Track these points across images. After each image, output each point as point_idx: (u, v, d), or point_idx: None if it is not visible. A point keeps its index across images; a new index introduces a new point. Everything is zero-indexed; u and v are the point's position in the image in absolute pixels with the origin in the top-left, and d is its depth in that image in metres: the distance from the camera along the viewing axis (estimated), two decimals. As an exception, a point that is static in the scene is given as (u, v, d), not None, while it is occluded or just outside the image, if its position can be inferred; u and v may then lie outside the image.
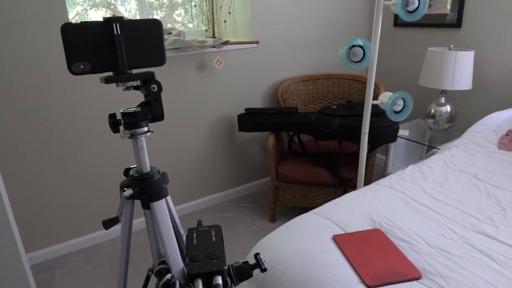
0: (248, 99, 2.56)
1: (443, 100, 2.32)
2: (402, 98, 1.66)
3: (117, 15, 2.24)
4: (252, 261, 0.93)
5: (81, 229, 2.21)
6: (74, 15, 2.17)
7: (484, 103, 2.36)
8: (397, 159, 2.49)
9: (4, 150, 1.88)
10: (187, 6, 2.49)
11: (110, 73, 0.82)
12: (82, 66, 0.77)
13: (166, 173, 0.94)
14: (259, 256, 0.92)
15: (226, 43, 2.25)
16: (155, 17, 2.43)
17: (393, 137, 2.07)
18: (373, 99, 1.78)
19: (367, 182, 2.11)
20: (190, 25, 2.55)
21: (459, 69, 2.14)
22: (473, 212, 1.28)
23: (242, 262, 0.92)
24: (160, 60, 0.85)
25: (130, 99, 2.13)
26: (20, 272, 1.29)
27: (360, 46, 1.59)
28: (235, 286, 0.89)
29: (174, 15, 2.51)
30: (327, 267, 1.06)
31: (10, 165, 1.91)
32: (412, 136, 2.34)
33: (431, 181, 1.51)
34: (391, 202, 1.37)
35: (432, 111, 2.34)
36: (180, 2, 2.46)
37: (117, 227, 2.32)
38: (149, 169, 0.92)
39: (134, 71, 0.83)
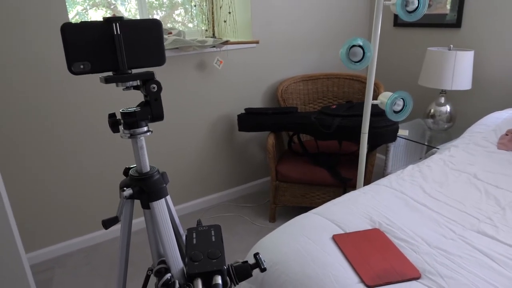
0: (248, 99, 2.56)
1: (442, 100, 2.32)
2: (401, 98, 1.66)
3: (117, 15, 2.24)
4: (251, 261, 0.93)
5: (81, 229, 2.21)
6: (74, 15, 2.17)
7: (483, 103, 2.36)
8: (397, 159, 2.49)
9: (4, 150, 1.88)
10: (187, 6, 2.49)
11: (110, 73, 0.82)
12: (82, 66, 0.77)
13: (165, 173, 0.94)
14: (259, 256, 0.92)
15: (226, 43, 2.25)
16: (155, 17, 2.43)
17: (392, 137, 2.07)
18: (373, 99, 1.78)
19: (367, 182, 2.11)
20: (190, 25, 2.55)
21: (459, 69, 2.14)
22: (473, 211, 1.29)
23: (242, 262, 0.92)
24: (160, 60, 0.86)
25: (130, 99, 2.13)
26: (20, 272, 1.29)
27: (360, 46, 1.59)
28: (235, 285, 0.89)
29: (174, 15, 2.51)
30: (327, 267, 1.06)
31: (10, 165, 1.91)
32: (411, 136, 2.34)
33: (431, 181, 1.51)
34: (390, 202, 1.37)
35: (432, 111, 2.34)
36: (180, 2, 2.46)
37: (117, 227, 2.32)
38: (148, 169, 0.92)
39: (134, 71, 0.83)
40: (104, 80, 0.79)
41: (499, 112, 2.04)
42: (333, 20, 2.75)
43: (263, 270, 0.91)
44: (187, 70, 2.26)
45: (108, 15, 2.20)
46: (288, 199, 2.34)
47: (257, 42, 2.42)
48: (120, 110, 0.85)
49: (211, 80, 2.37)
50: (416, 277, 1.00)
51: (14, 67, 1.79)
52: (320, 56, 2.79)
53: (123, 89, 0.84)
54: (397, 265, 1.05)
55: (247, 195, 2.78)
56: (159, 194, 0.90)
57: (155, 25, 0.83)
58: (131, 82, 0.84)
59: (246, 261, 0.92)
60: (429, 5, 2.49)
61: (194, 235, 0.94)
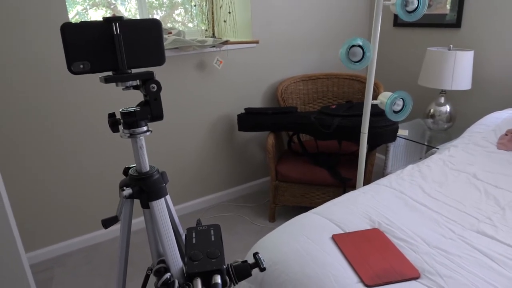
0: (248, 98, 2.56)
1: (442, 100, 2.32)
2: (401, 98, 1.66)
3: (117, 14, 2.24)
4: (251, 260, 0.93)
5: (80, 229, 2.21)
6: (74, 15, 2.17)
7: (483, 103, 2.36)
8: (397, 158, 2.49)
9: (4, 150, 1.88)
10: (187, 6, 2.49)
11: (110, 73, 0.82)
12: (81, 66, 0.77)
13: (165, 173, 0.94)
14: (258, 255, 0.92)
15: (226, 42, 2.25)
16: (155, 16, 2.43)
17: (392, 136, 2.07)
18: (373, 99, 1.78)
19: (367, 181, 2.11)
20: (190, 25, 2.55)
21: (459, 69, 2.14)
22: (472, 211, 1.29)
23: (241, 262, 0.92)
24: (159, 59, 0.86)
25: (130, 99, 2.13)
26: (19, 272, 1.29)
27: (359, 46, 1.59)
28: (234, 285, 0.90)
29: (174, 15, 2.51)
30: (326, 267, 1.06)
31: (10, 165, 1.91)
32: (411, 136, 2.34)
33: (430, 180, 1.51)
34: (390, 201, 1.37)
35: (432, 111, 2.35)
36: (180, 2, 2.46)
37: (117, 227, 2.32)
38: (148, 169, 0.92)
39: (134, 70, 0.83)
40: (104, 80, 0.80)
41: (498, 112, 2.04)
42: (333, 20, 2.75)
43: (262, 269, 0.91)
44: (187, 70, 2.26)
45: (108, 15, 2.20)
46: (288, 199, 2.34)
47: (257, 42, 2.42)
48: (120, 110, 0.85)
49: (211, 80, 2.37)
50: (416, 277, 1.00)
51: (14, 67, 1.79)
52: (320, 56, 2.79)
53: (123, 89, 0.84)
54: (396, 264, 1.05)
55: (246, 195, 2.78)
56: (159, 193, 0.90)
57: (155, 25, 0.83)
58: (130, 82, 0.84)
59: (246, 261, 0.92)
60: (429, 5, 2.49)
61: (194, 234, 0.94)
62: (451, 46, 2.25)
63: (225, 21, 2.52)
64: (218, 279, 0.83)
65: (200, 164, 2.52)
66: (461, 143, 1.83)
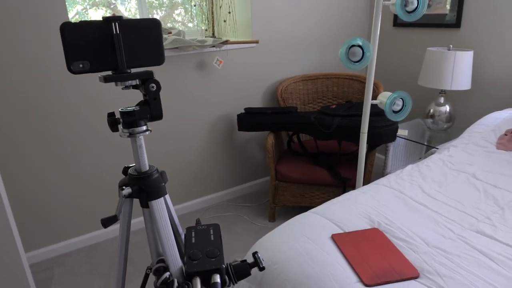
0: (247, 98, 2.56)
1: (442, 100, 2.32)
2: (401, 98, 1.66)
3: (117, 14, 2.24)
4: (250, 260, 0.93)
5: (80, 228, 2.21)
6: (74, 14, 2.18)
7: (483, 103, 2.36)
8: (396, 158, 2.49)
9: (4, 150, 1.88)
10: (187, 6, 2.49)
11: (109, 72, 0.82)
12: (81, 65, 0.77)
13: (164, 172, 0.95)
14: (257, 255, 0.92)
15: (226, 42, 2.25)
16: (155, 16, 2.43)
17: (392, 136, 2.07)
18: (372, 99, 1.78)
19: (366, 181, 2.11)
20: (190, 25, 2.55)
21: (458, 69, 2.14)
22: (472, 211, 1.29)
23: (240, 261, 0.92)
24: (159, 59, 0.86)
25: (130, 98, 2.13)
26: (19, 271, 1.29)
27: (359, 46, 1.59)
28: (233, 284, 0.90)
29: (174, 15, 2.52)
30: (326, 266, 1.06)
31: (10, 165, 1.91)
32: (411, 136, 2.34)
33: (430, 180, 1.51)
34: (390, 201, 1.37)
35: (431, 111, 2.35)
36: (180, 2, 2.47)
37: (116, 227, 2.33)
38: (147, 168, 0.92)
39: (133, 70, 0.84)
40: (103, 79, 0.80)
41: (498, 112, 2.04)
42: (333, 20, 2.75)
43: (261, 269, 0.91)
44: (187, 69, 2.26)
45: (108, 15, 2.20)
46: (288, 199, 2.34)
47: (257, 42, 2.42)
48: (119, 109, 0.85)
49: (210, 80, 2.37)
50: (415, 277, 1.00)
51: (14, 67, 1.79)
52: (320, 56, 2.79)
53: (122, 88, 0.84)
54: (396, 264, 1.05)
55: (246, 194, 2.78)
56: (158, 193, 0.91)
57: (155, 24, 0.83)
58: (130, 81, 0.84)
59: (245, 260, 0.92)
60: (429, 5, 2.49)
61: (193, 234, 0.94)
62: (451, 46, 2.25)
63: (225, 21, 2.52)
64: (217, 278, 0.83)
65: (200, 164, 2.52)
66: (460, 143, 1.83)
